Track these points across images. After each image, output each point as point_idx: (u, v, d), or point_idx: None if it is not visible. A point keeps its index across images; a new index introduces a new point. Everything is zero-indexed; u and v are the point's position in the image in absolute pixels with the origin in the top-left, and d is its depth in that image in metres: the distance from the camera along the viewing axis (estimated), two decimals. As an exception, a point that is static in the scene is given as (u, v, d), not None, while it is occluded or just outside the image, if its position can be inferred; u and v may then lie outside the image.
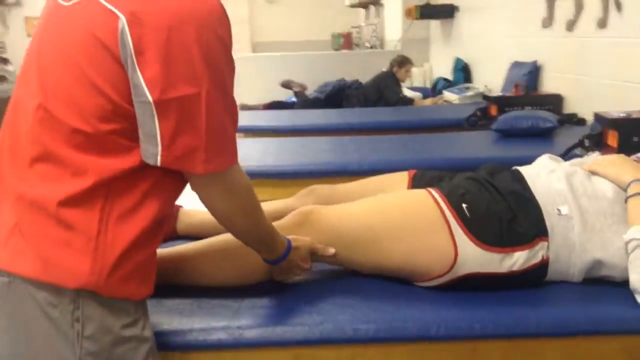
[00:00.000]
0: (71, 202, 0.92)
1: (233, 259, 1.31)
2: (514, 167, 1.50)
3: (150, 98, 0.89)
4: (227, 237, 1.27)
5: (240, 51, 9.19)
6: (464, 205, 1.31)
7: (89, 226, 0.92)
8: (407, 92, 5.18)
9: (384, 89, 4.83)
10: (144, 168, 0.95)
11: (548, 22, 3.58)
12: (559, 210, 1.32)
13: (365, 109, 4.51)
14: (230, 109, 0.99)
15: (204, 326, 1.17)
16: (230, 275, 1.33)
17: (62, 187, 0.92)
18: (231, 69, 0.99)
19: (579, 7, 3.19)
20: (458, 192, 1.35)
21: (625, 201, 1.28)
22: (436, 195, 1.35)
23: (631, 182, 1.28)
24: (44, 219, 0.92)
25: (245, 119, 4.03)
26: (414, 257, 1.30)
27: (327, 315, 1.20)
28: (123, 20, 0.88)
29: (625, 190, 1.30)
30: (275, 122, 3.79)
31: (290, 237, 1.26)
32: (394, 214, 1.35)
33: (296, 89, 5.13)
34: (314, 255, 1.31)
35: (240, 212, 1.08)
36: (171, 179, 1.00)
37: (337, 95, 4.80)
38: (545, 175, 1.40)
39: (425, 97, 5.18)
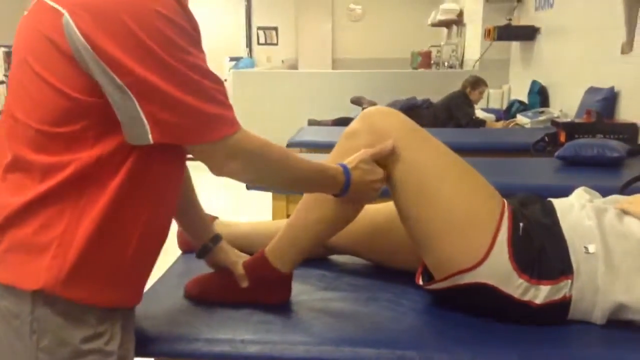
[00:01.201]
0: (35, 203, 0.96)
1: (317, 208, 1.32)
2: (548, 199, 1.45)
3: (121, 82, 0.92)
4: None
5: (320, 67, 9.39)
6: (521, 224, 1.29)
7: (51, 226, 0.95)
8: (480, 114, 5.08)
9: (454, 110, 4.76)
10: (110, 166, 0.97)
11: (627, 48, 3.41)
12: (586, 248, 1.26)
13: (432, 129, 4.45)
14: (210, 78, 0.99)
15: (209, 337, 1.20)
16: (324, 226, 1.33)
17: (27, 191, 0.96)
18: (191, 40, 0.97)
19: (659, 32, 3.03)
20: (522, 212, 1.34)
21: (655, 243, 1.21)
22: (506, 204, 1.33)
23: (661, 223, 1.21)
24: (9, 221, 0.97)
25: (311, 134, 4.11)
26: (450, 230, 1.26)
27: (329, 336, 1.20)
28: (66, 15, 0.91)
29: (655, 231, 1.22)
30: (338, 139, 3.81)
31: (345, 161, 1.25)
32: (470, 180, 1.31)
33: (365, 106, 5.14)
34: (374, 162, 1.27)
35: (262, 171, 1.09)
36: (145, 178, 1.01)
37: (406, 114, 4.76)
38: (577, 211, 1.34)
39: (498, 119, 5.06)
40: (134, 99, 0.93)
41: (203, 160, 1.03)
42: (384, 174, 1.27)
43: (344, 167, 1.22)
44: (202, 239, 1.37)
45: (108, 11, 0.92)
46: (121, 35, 0.91)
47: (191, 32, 0.98)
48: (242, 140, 1.02)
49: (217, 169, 1.05)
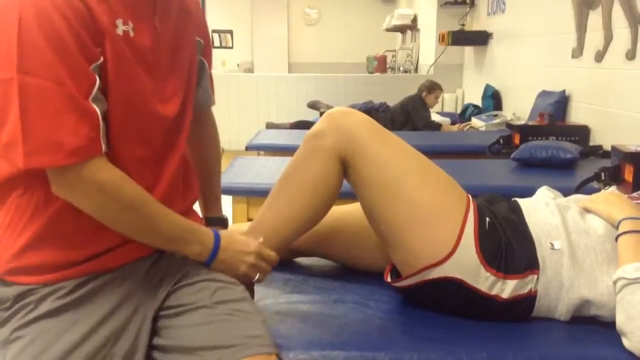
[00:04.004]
0: None
1: (283, 208, 1.31)
2: (513, 199, 1.47)
3: None
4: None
5: (276, 71, 9.36)
6: (487, 219, 1.30)
7: None
8: (436, 117, 5.15)
9: (411, 113, 4.81)
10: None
11: (578, 52, 3.51)
12: (552, 244, 1.28)
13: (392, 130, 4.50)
14: (69, 99, 0.89)
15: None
16: (290, 226, 1.32)
17: None
18: (65, 55, 0.89)
19: (608, 38, 3.13)
20: (488, 208, 1.35)
21: (616, 239, 1.23)
22: (471, 198, 1.34)
23: (621, 220, 1.24)
24: None
25: (269, 137, 4.08)
26: (416, 225, 1.26)
27: (297, 340, 1.18)
28: None
29: (616, 228, 1.25)
30: (298, 142, 3.79)
31: (227, 231, 1.19)
32: (434, 176, 1.32)
33: (322, 110, 5.15)
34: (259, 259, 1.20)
35: (111, 209, 0.98)
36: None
37: (364, 118, 4.79)
38: (542, 209, 1.37)
39: (453, 122, 5.14)
40: None
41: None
42: (257, 249, 1.18)
43: (215, 232, 1.14)
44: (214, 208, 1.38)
45: (7, 2, 0.90)
46: (1, 30, 0.89)
47: (69, 46, 0.90)
48: (83, 173, 0.94)
49: (55, 191, 0.97)
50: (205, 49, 1.23)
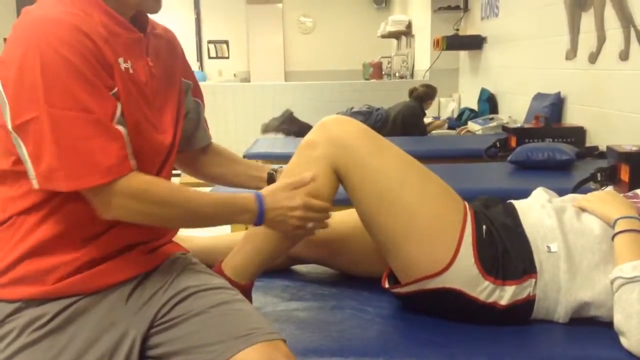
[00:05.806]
0: None
1: None
2: (508, 201, 1.47)
3: (10, 126, 0.98)
4: None
5: (272, 80, 9.38)
6: (484, 227, 1.29)
7: None
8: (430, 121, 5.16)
9: (410, 126, 4.74)
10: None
11: (571, 54, 3.52)
12: (548, 247, 1.28)
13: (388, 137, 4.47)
14: (97, 124, 0.98)
15: None
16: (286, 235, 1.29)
17: None
18: (87, 85, 0.97)
19: (601, 39, 3.14)
20: (485, 215, 1.34)
21: (612, 239, 1.23)
22: (467, 206, 1.33)
23: (617, 219, 1.24)
24: None
25: (266, 146, 4.08)
26: (415, 236, 1.25)
27: (296, 347, 1.17)
28: None
29: (612, 227, 1.25)
30: (293, 150, 3.79)
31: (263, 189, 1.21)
32: (431, 184, 1.30)
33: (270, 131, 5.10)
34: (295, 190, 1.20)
35: (149, 214, 1.05)
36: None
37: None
38: (537, 211, 1.36)
39: (449, 127, 5.14)
40: (20, 140, 0.98)
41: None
42: (303, 202, 1.20)
43: (257, 194, 1.17)
44: (262, 171, 1.40)
45: (22, 48, 0.97)
46: (23, 74, 0.96)
47: (85, 75, 0.98)
48: (116, 189, 1.00)
49: (99, 213, 1.03)
50: (195, 90, 1.32)
